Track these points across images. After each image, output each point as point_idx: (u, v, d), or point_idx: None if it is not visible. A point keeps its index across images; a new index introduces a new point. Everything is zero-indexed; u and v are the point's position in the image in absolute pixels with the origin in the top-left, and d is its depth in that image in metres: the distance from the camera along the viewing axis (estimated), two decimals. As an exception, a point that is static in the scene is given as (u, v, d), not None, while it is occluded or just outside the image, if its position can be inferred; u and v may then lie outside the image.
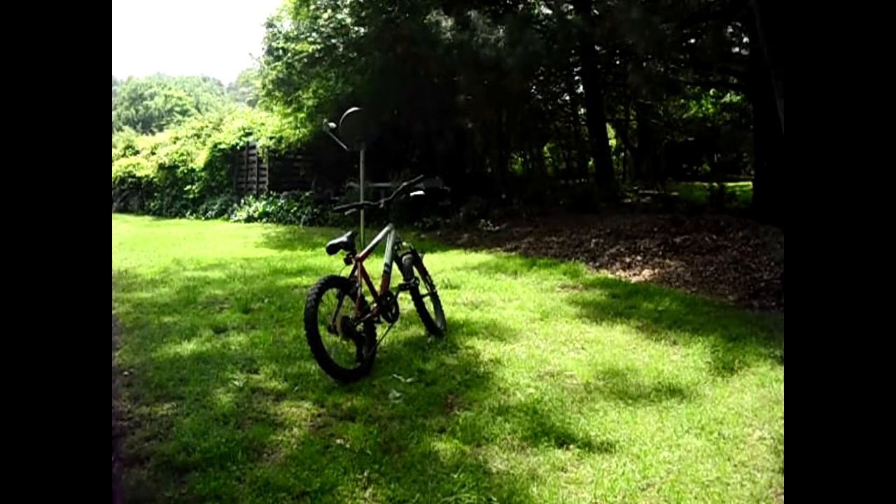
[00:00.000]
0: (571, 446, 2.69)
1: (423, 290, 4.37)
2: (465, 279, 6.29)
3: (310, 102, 13.10)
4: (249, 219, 14.84)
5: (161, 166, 18.71)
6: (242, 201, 15.86)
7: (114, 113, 55.06)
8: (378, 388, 3.41)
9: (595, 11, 10.35)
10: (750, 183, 11.45)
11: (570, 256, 7.61)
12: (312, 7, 11.94)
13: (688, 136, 16.10)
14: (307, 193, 14.41)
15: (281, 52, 12.16)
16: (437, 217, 11.03)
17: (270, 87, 12.78)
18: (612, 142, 15.85)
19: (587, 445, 2.69)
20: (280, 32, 12.52)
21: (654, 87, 9.05)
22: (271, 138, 15.43)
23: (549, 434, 2.79)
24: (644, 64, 9.45)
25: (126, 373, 3.71)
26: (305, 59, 11.67)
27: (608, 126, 14.43)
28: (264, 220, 14.53)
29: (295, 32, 12.10)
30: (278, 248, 9.80)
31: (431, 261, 6.27)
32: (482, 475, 2.47)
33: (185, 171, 18.05)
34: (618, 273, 6.71)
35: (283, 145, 15.35)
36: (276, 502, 2.31)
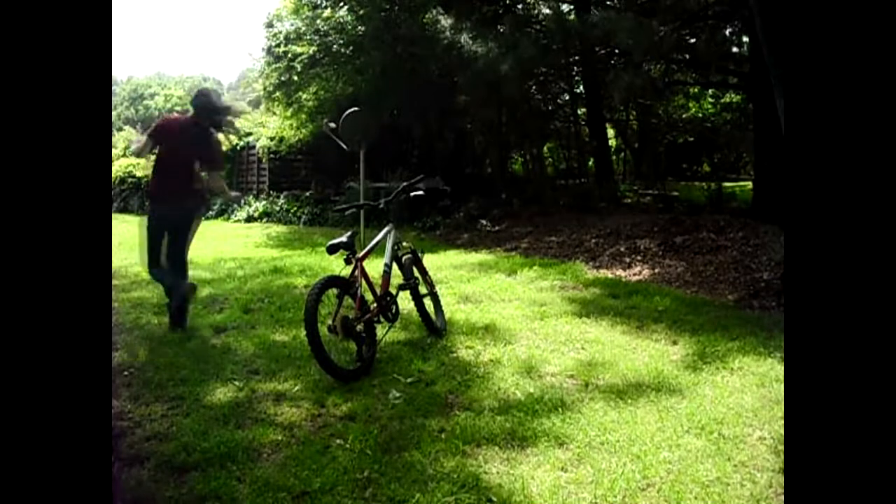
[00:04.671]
0: (571, 446, 2.69)
1: (423, 290, 4.37)
2: (464, 279, 6.29)
3: (310, 103, 13.10)
4: (249, 219, 14.84)
5: (161, 166, 18.68)
6: (242, 201, 15.86)
7: (114, 113, 55.03)
8: (378, 388, 3.41)
9: (595, 12, 10.35)
10: (750, 183, 11.45)
11: (570, 256, 7.61)
12: (312, 5, 11.94)
13: (688, 136, 16.08)
14: (307, 193, 14.42)
15: (281, 53, 12.17)
16: (437, 217, 11.03)
17: (271, 88, 12.79)
18: (612, 142, 15.83)
19: (587, 445, 2.69)
20: (280, 32, 12.53)
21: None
22: (271, 139, 15.44)
23: (548, 434, 2.79)
24: (643, 65, 9.44)
25: (126, 373, 3.71)
26: (306, 60, 11.67)
27: (608, 126, 14.41)
28: (264, 220, 14.53)
29: (295, 34, 12.11)
30: (278, 248, 9.81)
31: (431, 260, 6.26)
32: (482, 475, 2.47)
33: (186, 171, 18.03)
34: (618, 273, 6.71)
35: (283, 146, 15.36)
36: (276, 502, 2.30)
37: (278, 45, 12.26)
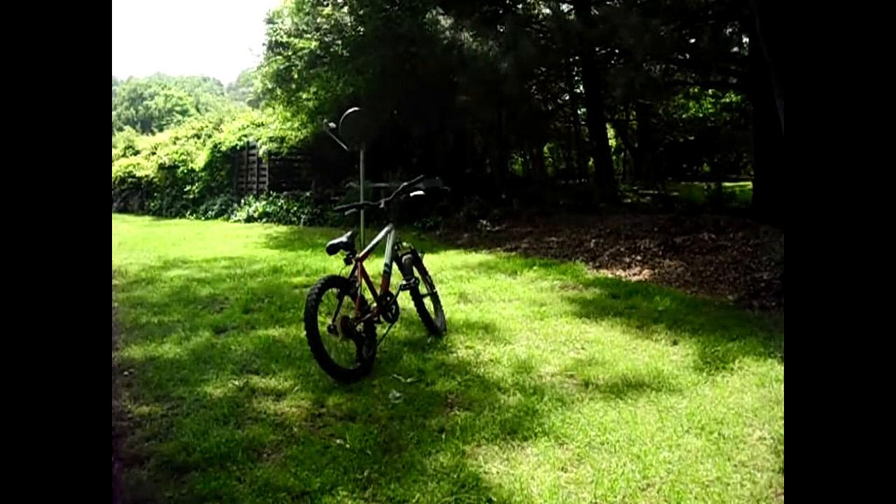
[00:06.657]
0: (571, 446, 2.69)
1: (422, 290, 4.37)
2: (464, 279, 6.29)
3: (310, 104, 13.09)
4: (249, 219, 14.83)
5: (161, 166, 18.71)
6: (242, 201, 15.85)
7: (114, 113, 55.02)
8: (378, 388, 3.41)
9: (595, 12, 10.36)
10: (750, 183, 11.45)
11: (570, 256, 7.60)
12: (313, 3, 11.93)
13: (688, 136, 16.10)
14: (307, 193, 14.42)
15: (282, 47, 12.15)
16: (437, 217, 11.03)
17: (270, 84, 12.77)
18: (612, 142, 15.83)
19: (587, 445, 2.69)
20: (281, 28, 12.51)
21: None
22: (272, 139, 15.44)
23: (549, 434, 2.79)
24: (644, 65, 9.45)
25: (126, 373, 3.71)
26: (306, 58, 11.66)
27: (608, 126, 14.41)
28: (264, 220, 14.52)
29: (296, 30, 12.10)
30: (278, 248, 9.80)
31: (431, 261, 6.27)
32: (482, 475, 2.47)
33: (185, 171, 18.05)
34: (618, 273, 6.71)
35: (283, 146, 15.36)
36: (276, 502, 2.31)
37: (279, 37, 12.23)
